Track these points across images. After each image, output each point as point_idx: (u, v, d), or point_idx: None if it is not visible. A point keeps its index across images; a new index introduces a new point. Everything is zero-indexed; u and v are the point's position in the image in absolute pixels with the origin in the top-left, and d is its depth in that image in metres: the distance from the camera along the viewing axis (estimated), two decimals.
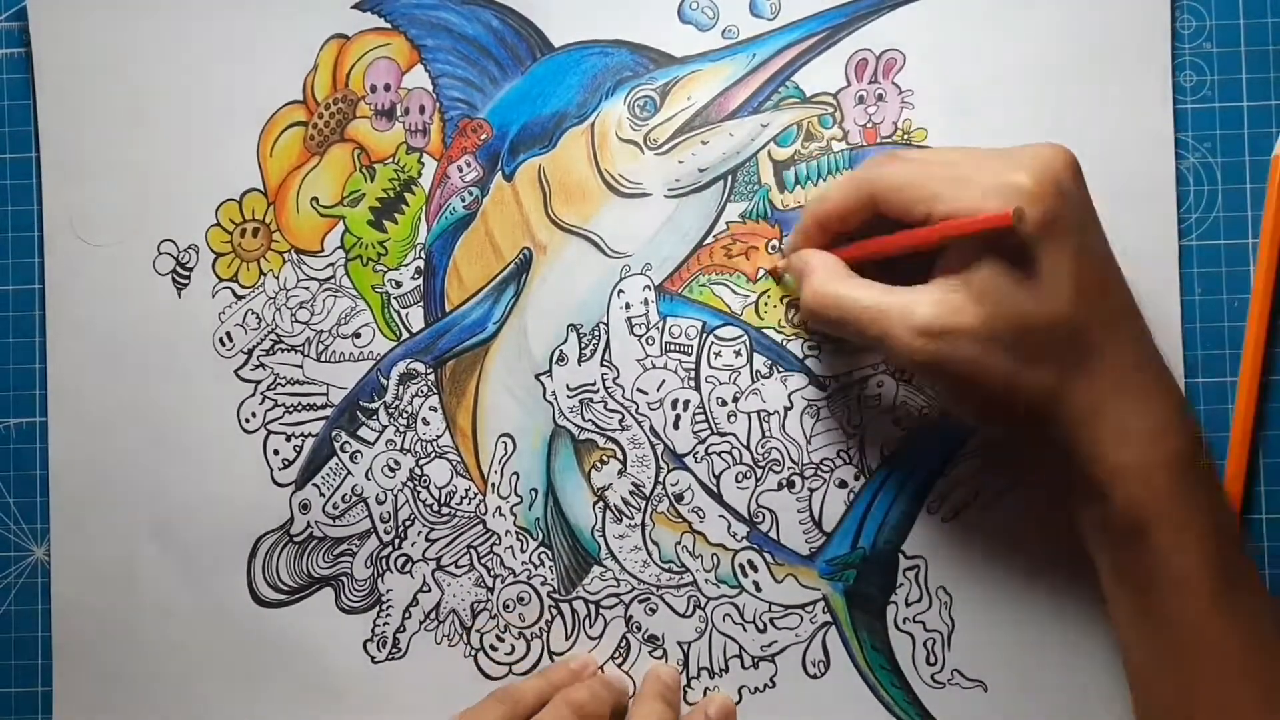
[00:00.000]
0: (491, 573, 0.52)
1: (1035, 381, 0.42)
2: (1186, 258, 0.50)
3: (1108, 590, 0.45)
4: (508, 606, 0.51)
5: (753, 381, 0.51)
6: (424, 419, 0.52)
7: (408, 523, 0.52)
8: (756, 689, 0.51)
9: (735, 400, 0.51)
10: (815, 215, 0.47)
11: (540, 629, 0.51)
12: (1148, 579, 0.43)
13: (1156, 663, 0.44)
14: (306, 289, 0.52)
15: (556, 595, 0.51)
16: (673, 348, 0.51)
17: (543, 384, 0.52)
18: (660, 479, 0.51)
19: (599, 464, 0.51)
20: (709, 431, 0.51)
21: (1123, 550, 0.43)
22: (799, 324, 0.51)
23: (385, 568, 0.52)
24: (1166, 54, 0.50)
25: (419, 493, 0.52)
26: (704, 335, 0.51)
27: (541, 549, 0.51)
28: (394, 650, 0.52)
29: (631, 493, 0.51)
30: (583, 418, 0.51)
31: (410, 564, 0.52)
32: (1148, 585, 0.43)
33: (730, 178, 0.51)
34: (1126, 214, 0.50)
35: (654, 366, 0.51)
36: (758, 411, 0.51)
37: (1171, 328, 0.50)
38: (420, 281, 0.52)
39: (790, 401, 0.51)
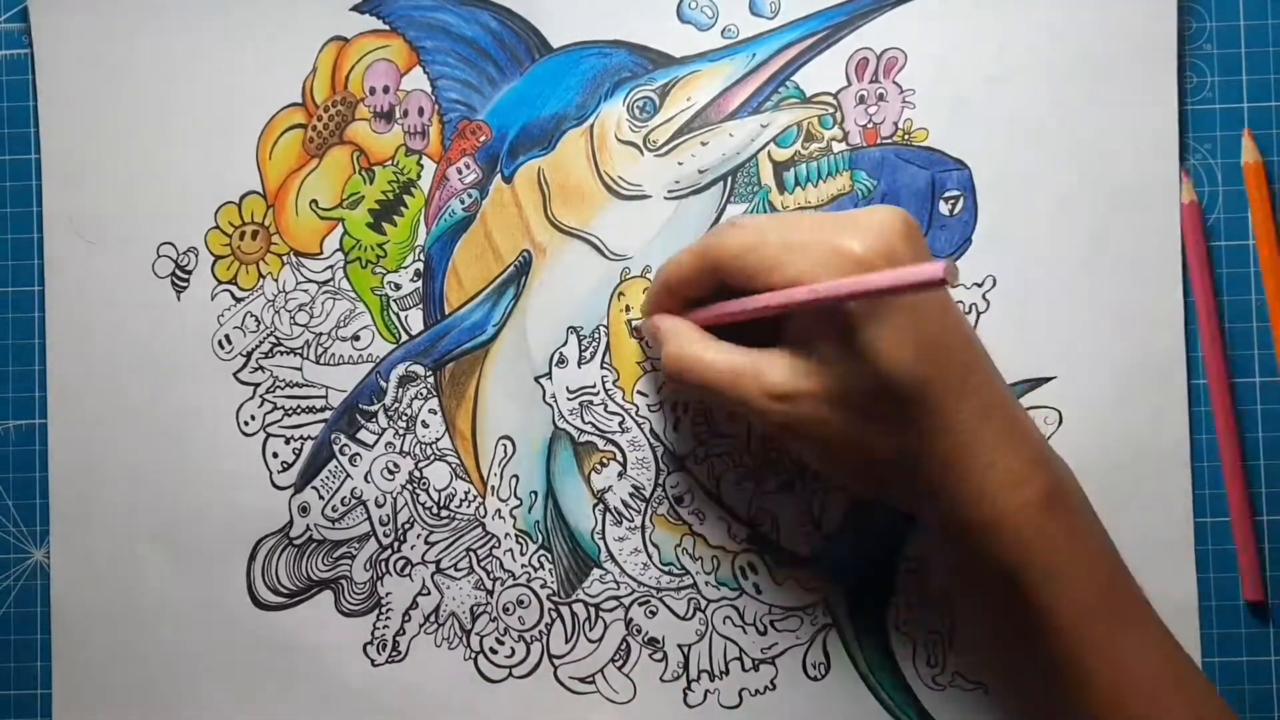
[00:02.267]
0: (491, 575, 0.51)
1: (888, 442, 0.42)
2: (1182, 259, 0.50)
3: (1002, 649, 0.45)
4: (507, 609, 0.51)
5: None
6: (423, 421, 0.52)
7: (407, 526, 0.52)
8: (757, 691, 0.51)
9: None
10: (664, 281, 0.47)
11: (540, 632, 0.51)
12: (1032, 631, 0.42)
13: None
14: (305, 291, 0.52)
15: (556, 598, 0.51)
16: None
17: (542, 386, 0.52)
18: (660, 481, 0.51)
19: (599, 466, 0.51)
20: (709, 434, 0.51)
21: (1001, 602, 0.43)
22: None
23: (385, 571, 0.52)
24: (1172, 54, 0.50)
25: (418, 495, 0.52)
26: None
27: (541, 552, 0.51)
28: (394, 653, 0.52)
29: (631, 495, 0.51)
30: (582, 420, 0.51)
31: (410, 567, 0.52)
32: (1034, 639, 0.42)
33: (730, 179, 0.51)
34: (1129, 215, 0.50)
35: (654, 369, 0.51)
36: None
37: (1174, 330, 0.50)
38: (419, 284, 0.52)
39: None
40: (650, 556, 0.51)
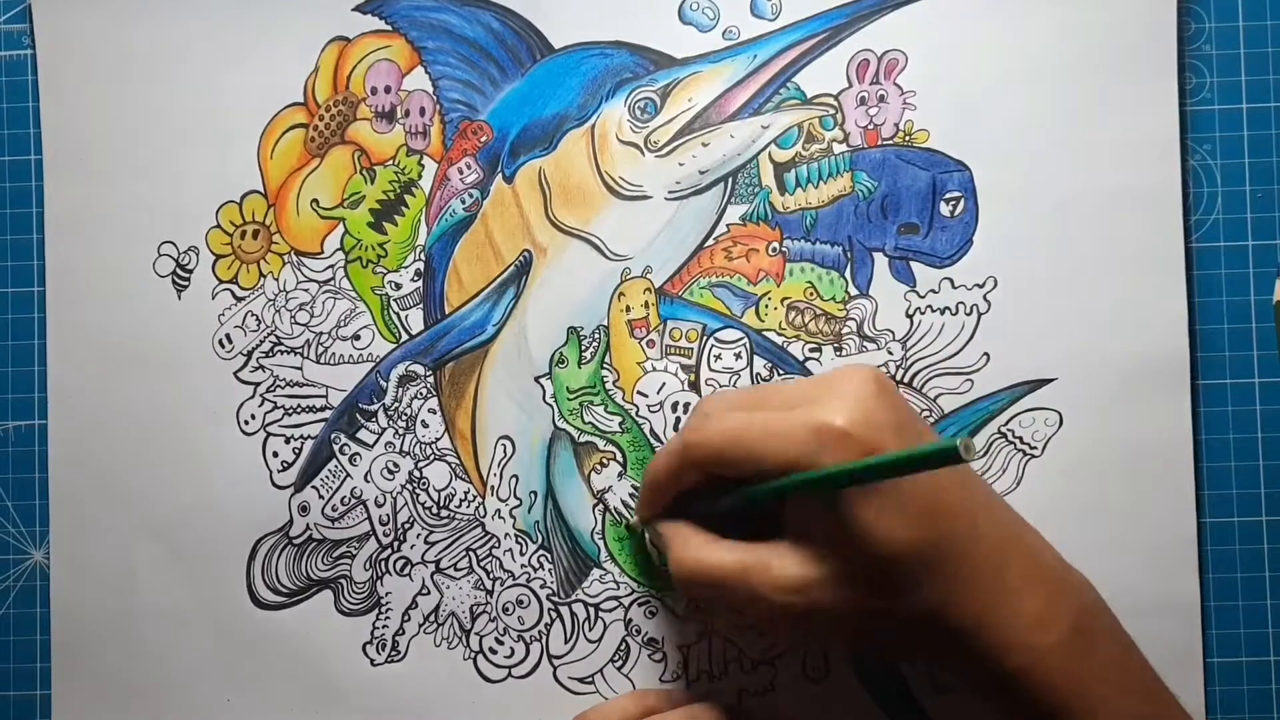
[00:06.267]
0: (491, 575, 0.51)
1: (909, 609, 0.41)
2: (1186, 260, 0.50)
3: None
4: (507, 609, 0.51)
5: (753, 384, 0.51)
6: (423, 421, 0.52)
7: (407, 525, 0.52)
8: (755, 692, 0.51)
9: None
10: (651, 484, 0.46)
11: (540, 632, 0.51)
12: None
13: None
14: (306, 291, 0.52)
15: (556, 598, 0.51)
16: (673, 350, 0.51)
17: (542, 386, 0.52)
18: None
19: (599, 467, 0.51)
20: None
21: None
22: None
23: (384, 570, 0.52)
24: (1172, 55, 0.50)
25: (418, 495, 0.52)
26: (705, 338, 0.51)
27: (541, 552, 0.51)
28: (393, 653, 0.52)
29: (632, 495, 0.51)
30: (583, 420, 0.51)
31: (409, 567, 0.52)
32: None
33: (731, 180, 0.51)
34: (1130, 216, 0.50)
35: (654, 369, 0.51)
36: None
37: (1178, 331, 0.50)
38: (420, 283, 0.52)
39: None
40: (650, 557, 0.51)
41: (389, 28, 0.52)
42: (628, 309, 0.51)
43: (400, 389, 0.52)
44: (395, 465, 0.52)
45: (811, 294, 0.51)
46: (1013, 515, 0.43)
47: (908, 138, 0.51)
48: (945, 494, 0.41)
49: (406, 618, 0.52)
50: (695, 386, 0.51)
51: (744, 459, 0.42)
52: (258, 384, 0.52)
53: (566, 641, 0.51)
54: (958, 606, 0.40)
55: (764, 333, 0.51)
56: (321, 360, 0.52)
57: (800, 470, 0.40)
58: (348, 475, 0.52)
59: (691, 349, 0.51)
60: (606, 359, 0.51)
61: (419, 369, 0.52)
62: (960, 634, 0.41)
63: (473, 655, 0.51)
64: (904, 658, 0.45)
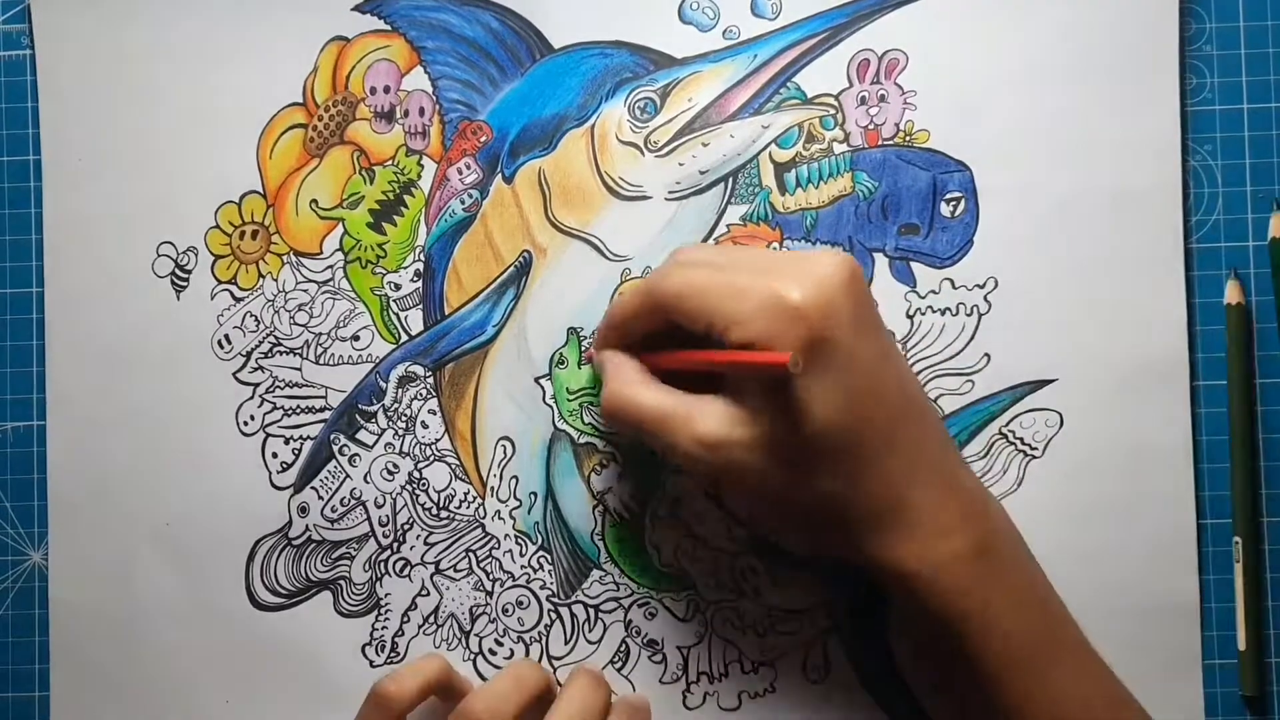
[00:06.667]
0: (490, 576, 0.51)
1: (818, 490, 0.42)
2: (1185, 261, 0.50)
3: (929, 704, 0.46)
4: (506, 611, 0.51)
5: None
6: (423, 422, 0.52)
7: (406, 526, 0.52)
8: (756, 694, 0.50)
9: None
10: (609, 317, 0.47)
11: (539, 633, 0.51)
12: (967, 677, 0.42)
13: None
14: (305, 291, 0.52)
15: (556, 599, 0.51)
16: None
17: (542, 387, 0.51)
18: (660, 482, 0.51)
19: (599, 468, 0.51)
20: None
21: (940, 652, 0.43)
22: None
23: (384, 571, 0.52)
24: (1173, 55, 0.50)
25: (418, 496, 0.52)
26: None
27: (540, 553, 0.51)
28: (392, 654, 0.51)
29: (631, 496, 0.51)
30: (582, 421, 0.51)
31: (409, 568, 0.52)
32: (970, 684, 0.42)
33: (731, 180, 0.51)
34: (1131, 217, 0.50)
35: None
36: None
37: (1177, 332, 0.50)
38: (419, 284, 0.52)
39: None
40: (650, 558, 0.51)
41: (388, 27, 0.52)
42: None
43: (400, 390, 0.52)
44: (395, 466, 0.52)
45: None
46: (943, 438, 0.44)
47: (908, 138, 0.51)
48: (883, 389, 0.42)
49: (406, 619, 0.51)
50: None
51: (699, 312, 0.43)
52: (257, 385, 0.52)
53: (566, 643, 0.51)
54: (864, 500, 0.42)
55: None
56: (321, 361, 0.52)
57: (745, 332, 0.41)
58: (347, 476, 0.52)
59: None
60: None
61: (419, 370, 0.52)
62: (864, 528, 0.42)
63: (472, 656, 0.51)
64: (806, 547, 0.46)
